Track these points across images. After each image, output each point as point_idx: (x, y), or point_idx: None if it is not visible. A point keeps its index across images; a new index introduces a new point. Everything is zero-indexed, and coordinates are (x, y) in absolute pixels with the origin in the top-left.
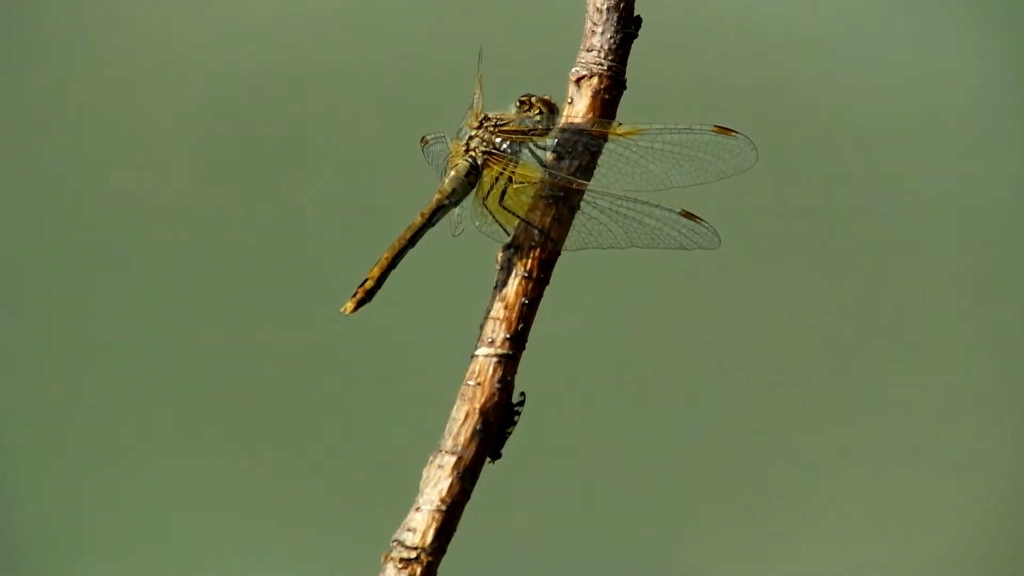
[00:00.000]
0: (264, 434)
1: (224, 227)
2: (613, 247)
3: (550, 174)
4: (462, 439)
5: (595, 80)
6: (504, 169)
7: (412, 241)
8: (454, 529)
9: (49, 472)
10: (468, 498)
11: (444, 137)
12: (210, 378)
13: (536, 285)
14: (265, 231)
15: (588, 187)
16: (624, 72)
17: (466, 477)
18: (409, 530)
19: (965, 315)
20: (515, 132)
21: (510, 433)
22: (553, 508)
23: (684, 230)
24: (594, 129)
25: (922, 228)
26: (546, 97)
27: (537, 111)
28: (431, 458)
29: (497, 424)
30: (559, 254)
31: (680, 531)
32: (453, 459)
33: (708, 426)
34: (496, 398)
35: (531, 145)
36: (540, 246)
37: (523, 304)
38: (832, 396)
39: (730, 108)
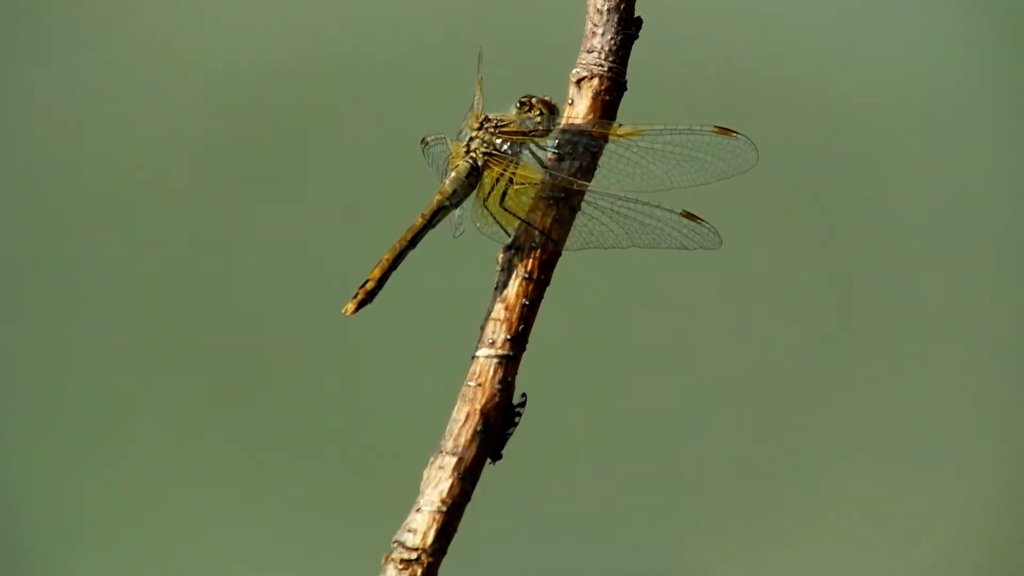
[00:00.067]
0: (264, 434)
1: (224, 227)
2: (614, 247)
3: (551, 175)
4: (463, 440)
5: (596, 81)
6: (505, 170)
7: (413, 242)
8: (455, 530)
9: (49, 472)
10: (469, 499)
11: (444, 138)
12: (210, 378)
13: (537, 286)
14: (265, 231)
15: (589, 188)
16: (624, 73)
17: (467, 478)
18: (410, 531)
19: (965, 315)
20: (515, 133)
21: (511, 434)
22: (553, 508)
23: (685, 230)
24: (595, 130)
25: (922, 228)
26: (546, 98)
27: (537, 112)
28: (432, 459)
29: (498, 425)
30: (560, 255)
31: (680, 531)
32: (454, 460)
33: (708, 426)
34: (497, 399)
35: (532, 146)
36: (541, 247)
37: (524, 305)
38: (832, 396)
39: (730, 108)
